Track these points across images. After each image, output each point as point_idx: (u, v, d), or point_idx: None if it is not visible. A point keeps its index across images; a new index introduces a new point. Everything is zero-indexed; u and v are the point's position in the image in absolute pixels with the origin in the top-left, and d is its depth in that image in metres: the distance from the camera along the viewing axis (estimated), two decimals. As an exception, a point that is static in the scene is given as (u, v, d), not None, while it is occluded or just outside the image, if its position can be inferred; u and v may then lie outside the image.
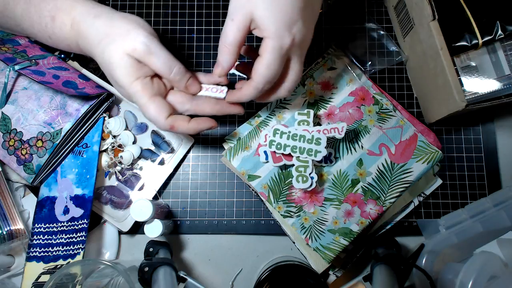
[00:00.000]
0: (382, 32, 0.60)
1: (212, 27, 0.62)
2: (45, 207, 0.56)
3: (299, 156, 0.50)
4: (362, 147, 0.53)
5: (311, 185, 0.50)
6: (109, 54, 0.44)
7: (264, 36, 0.42)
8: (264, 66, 0.43)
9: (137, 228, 0.58)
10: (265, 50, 0.42)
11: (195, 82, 0.49)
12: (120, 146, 0.58)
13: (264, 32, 0.41)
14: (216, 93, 0.49)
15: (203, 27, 0.62)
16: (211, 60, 0.61)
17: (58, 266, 0.54)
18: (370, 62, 0.60)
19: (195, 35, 0.62)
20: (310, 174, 0.50)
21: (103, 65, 0.45)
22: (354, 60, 0.58)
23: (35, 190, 0.58)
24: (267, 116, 0.55)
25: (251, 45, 0.44)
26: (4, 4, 0.49)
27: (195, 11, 0.63)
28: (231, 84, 0.50)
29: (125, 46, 0.44)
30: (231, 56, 0.44)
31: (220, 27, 0.62)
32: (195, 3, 0.63)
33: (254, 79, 0.44)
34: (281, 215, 0.53)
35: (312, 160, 0.50)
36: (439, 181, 0.57)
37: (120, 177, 0.58)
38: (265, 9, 0.41)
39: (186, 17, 0.62)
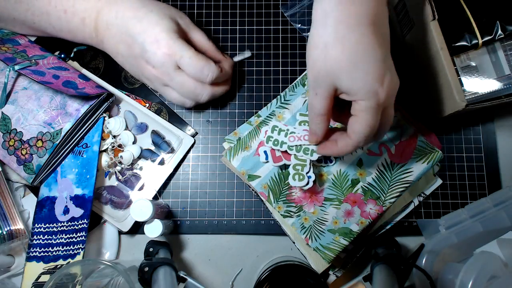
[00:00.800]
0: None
1: (212, 27, 0.62)
2: (45, 207, 0.56)
3: (296, 155, 0.50)
4: (362, 147, 0.53)
5: (307, 183, 0.50)
6: (158, 14, 0.49)
7: (356, 100, 0.40)
8: (363, 126, 0.40)
9: (137, 228, 0.58)
10: (361, 110, 0.40)
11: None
12: (120, 146, 0.58)
13: (355, 97, 0.40)
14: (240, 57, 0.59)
15: (203, 27, 0.62)
16: (211, 60, 0.61)
17: (58, 266, 0.54)
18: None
19: (195, 35, 0.62)
20: (307, 173, 0.50)
21: (143, 24, 0.49)
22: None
23: (35, 190, 0.58)
24: (267, 116, 0.55)
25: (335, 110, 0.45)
26: None
27: (195, 11, 0.63)
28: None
29: (173, 12, 0.51)
30: (323, 124, 0.44)
31: (220, 27, 0.62)
32: (195, 3, 0.63)
33: (353, 138, 0.42)
34: (281, 215, 0.53)
35: (310, 160, 0.50)
36: (439, 181, 0.57)
37: (120, 177, 0.58)
38: (349, 78, 0.39)
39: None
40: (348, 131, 0.42)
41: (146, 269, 0.45)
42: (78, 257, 0.53)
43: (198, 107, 0.60)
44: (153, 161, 0.58)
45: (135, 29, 0.49)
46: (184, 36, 0.52)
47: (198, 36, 0.54)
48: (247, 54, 0.60)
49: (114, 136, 0.58)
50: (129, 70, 0.55)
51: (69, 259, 0.54)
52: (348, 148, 0.43)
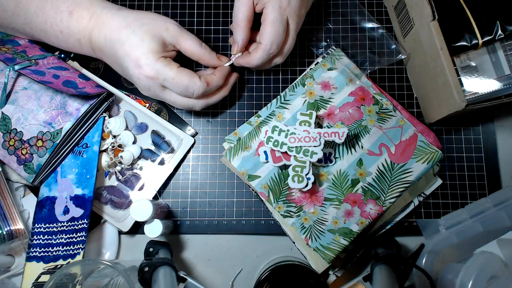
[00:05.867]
0: (381, 31, 0.60)
1: (212, 27, 0.62)
2: (45, 207, 0.56)
3: (296, 156, 0.50)
4: (362, 147, 0.53)
5: (306, 185, 0.50)
6: (140, 35, 0.48)
7: (265, 4, 0.50)
8: (269, 26, 0.49)
9: (137, 228, 0.58)
10: (267, 13, 0.49)
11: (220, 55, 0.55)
12: (120, 146, 0.58)
13: (264, 1, 0.50)
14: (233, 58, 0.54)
15: (203, 27, 0.62)
16: (211, 60, 0.61)
17: (58, 266, 0.54)
18: (370, 61, 0.60)
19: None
20: (306, 175, 0.50)
21: (125, 48, 0.48)
22: (354, 60, 0.58)
23: (35, 190, 0.58)
24: (267, 116, 0.55)
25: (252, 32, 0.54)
26: (16, 3, 0.51)
27: (195, 11, 0.63)
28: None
29: (157, 27, 0.49)
30: (244, 31, 0.52)
31: (221, 27, 0.62)
32: (195, 3, 0.63)
33: (263, 42, 0.50)
34: (281, 215, 0.53)
35: (310, 162, 0.50)
36: (439, 181, 0.57)
37: (120, 177, 0.58)
38: None
39: (186, 17, 0.63)
40: (259, 38, 0.52)
41: (146, 269, 0.45)
42: (78, 257, 0.53)
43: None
44: (153, 161, 0.58)
45: (119, 53, 0.49)
46: (171, 49, 0.51)
47: (189, 45, 0.51)
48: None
49: (114, 136, 0.58)
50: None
51: (69, 259, 0.54)
52: (260, 54, 0.51)
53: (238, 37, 0.52)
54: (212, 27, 0.62)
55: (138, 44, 0.48)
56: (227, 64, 0.54)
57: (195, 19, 0.62)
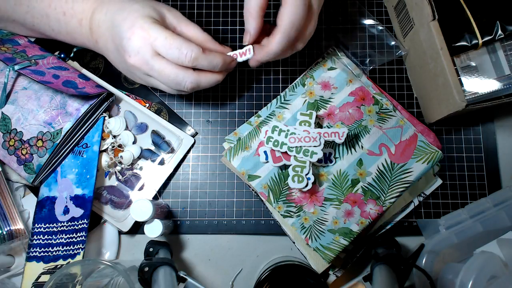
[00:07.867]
0: (381, 28, 0.60)
1: (212, 27, 0.62)
2: (45, 207, 0.56)
3: (296, 156, 0.50)
4: (362, 147, 0.53)
5: (306, 185, 0.50)
6: (141, 4, 0.47)
7: None
8: (291, 11, 0.45)
9: (137, 228, 0.58)
10: None
11: None
12: (120, 146, 0.58)
13: None
14: (243, 57, 0.51)
15: (203, 28, 0.62)
16: (211, 60, 0.61)
17: (58, 266, 0.54)
18: (369, 59, 0.60)
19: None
20: (306, 175, 0.50)
21: (124, 15, 0.47)
22: (354, 59, 0.58)
23: (35, 190, 0.58)
24: (267, 116, 0.55)
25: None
26: None
27: (195, 11, 0.63)
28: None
29: (160, 5, 0.49)
30: (256, 20, 0.47)
31: (221, 27, 0.62)
32: (195, 3, 0.63)
33: (282, 23, 0.46)
34: (281, 215, 0.53)
35: (310, 162, 0.50)
36: (439, 181, 0.57)
37: (120, 177, 0.58)
38: None
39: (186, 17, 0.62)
40: (278, 21, 0.46)
41: (146, 269, 0.45)
42: (78, 257, 0.53)
43: (198, 106, 0.60)
44: (153, 161, 0.58)
45: (118, 19, 0.48)
46: (170, 28, 0.49)
47: (191, 29, 0.50)
48: (249, 55, 0.52)
49: (114, 136, 0.58)
50: (119, 67, 0.52)
51: (69, 259, 0.54)
52: (278, 38, 0.46)
53: (250, 26, 0.48)
54: (212, 27, 0.62)
55: (138, 9, 0.47)
56: (231, 53, 0.51)
57: (195, 19, 0.62)
